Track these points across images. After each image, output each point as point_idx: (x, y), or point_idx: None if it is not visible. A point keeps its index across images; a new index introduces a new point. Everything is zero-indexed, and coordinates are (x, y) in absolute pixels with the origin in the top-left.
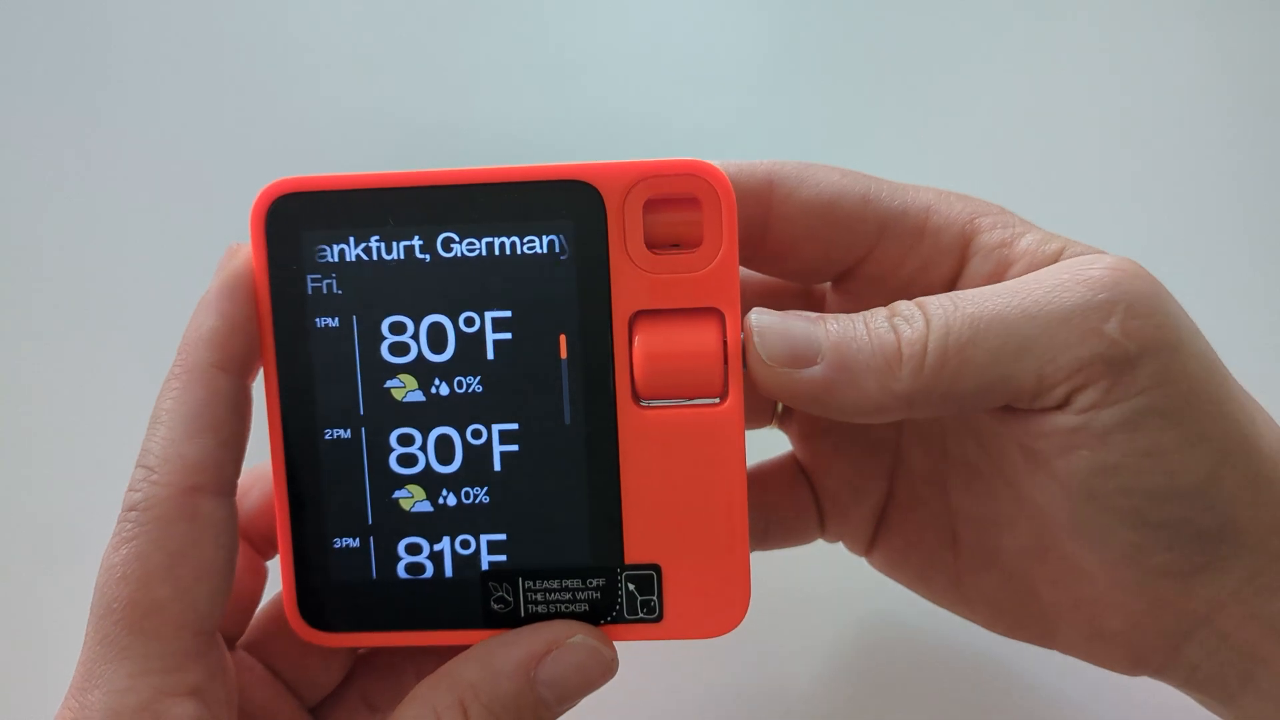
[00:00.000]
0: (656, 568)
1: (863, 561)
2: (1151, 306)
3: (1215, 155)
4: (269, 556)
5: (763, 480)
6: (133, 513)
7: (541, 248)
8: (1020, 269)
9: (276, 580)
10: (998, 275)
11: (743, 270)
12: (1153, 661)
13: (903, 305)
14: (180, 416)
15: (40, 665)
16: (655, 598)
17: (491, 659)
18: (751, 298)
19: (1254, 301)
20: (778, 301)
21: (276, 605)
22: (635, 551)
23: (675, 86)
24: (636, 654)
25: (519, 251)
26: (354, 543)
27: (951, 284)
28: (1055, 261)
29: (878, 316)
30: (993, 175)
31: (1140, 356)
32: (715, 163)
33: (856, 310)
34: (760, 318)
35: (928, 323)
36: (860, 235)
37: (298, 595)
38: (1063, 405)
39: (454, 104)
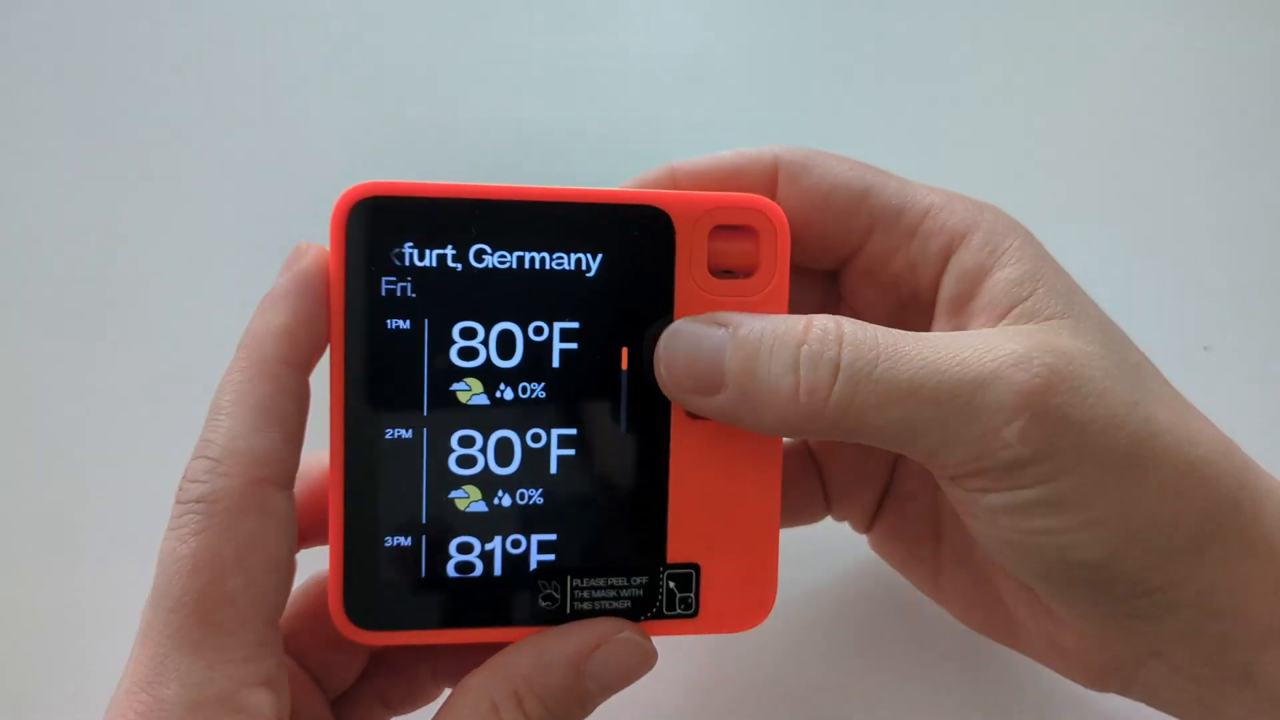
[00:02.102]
0: (695, 566)
1: (854, 560)
2: (1058, 417)
3: (1211, 158)
4: (297, 550)
5: None
6: (200, 504)
7: (614, 266)
8: (980, 305)
9: (300, 574)
10: (958, 303)
11: None
12: (1112, 681)
13: (821, 330)
14: (246, 410)
15: (40, 662)
16: (693, 594)
17: (545, 653)
18: None
19: (1253, 298)
20: (796, 283)
21: (302, 599)
22: (677, 551)
23: (675, 87)
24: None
25: (591, 268)
26: (405, 541)
27: (935, 290)
28: (1009, 312)
29: (786, 350)
30: (991, 173)
31: (1031, 461)
32: (725, 153)
33: (861, 301)
34: (667, 342)
35: (837, 371)
36: (852, 229)
37: (345, 593)
38: (954, 478)
39: (452, 104)
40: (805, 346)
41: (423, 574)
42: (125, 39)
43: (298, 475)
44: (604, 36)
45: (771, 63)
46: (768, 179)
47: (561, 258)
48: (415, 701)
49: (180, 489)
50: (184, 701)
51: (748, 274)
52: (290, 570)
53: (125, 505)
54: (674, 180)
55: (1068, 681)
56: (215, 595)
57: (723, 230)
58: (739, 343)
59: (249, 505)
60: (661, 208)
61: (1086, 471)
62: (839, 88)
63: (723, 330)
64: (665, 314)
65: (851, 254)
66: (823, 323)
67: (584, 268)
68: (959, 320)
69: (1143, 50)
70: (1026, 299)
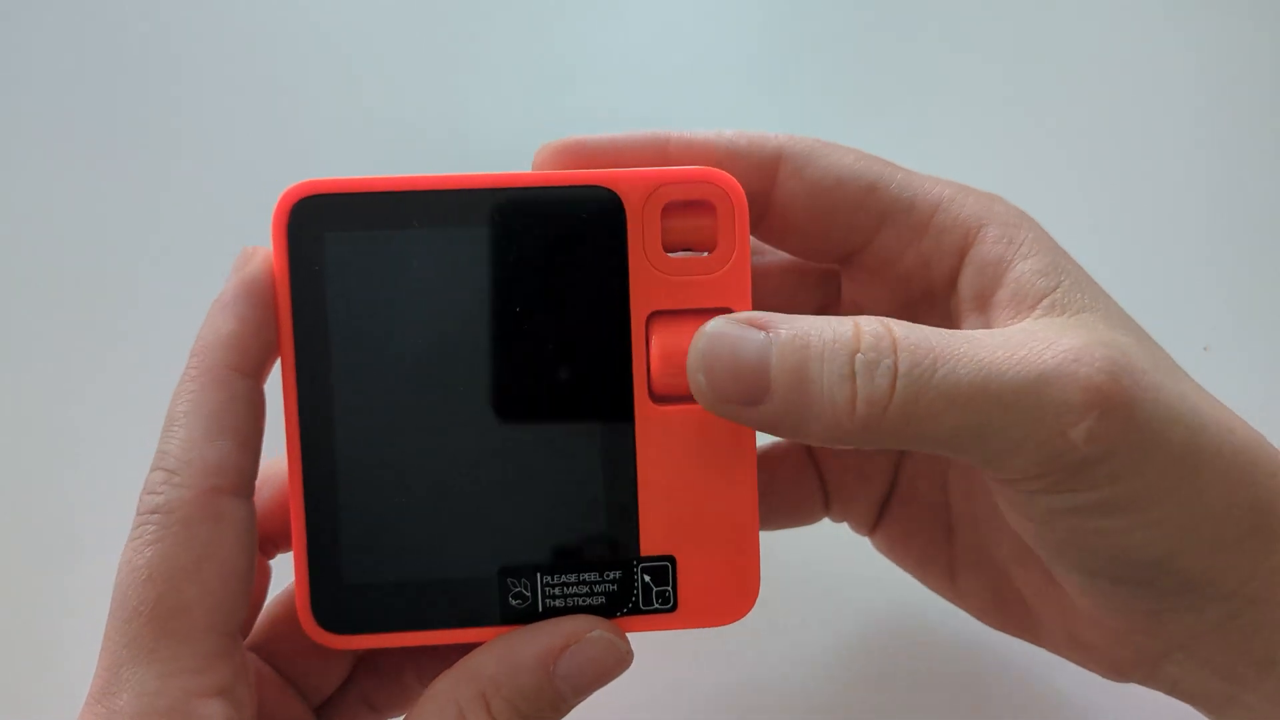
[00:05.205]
0: (671, 559)
1: (854, 561)
2: (1126, 414)
3: (1203, 150)
4: (272, 556)
5: (771, 463)
6: (155, 515)
7: (563, 251)
8: (1005, 297)
9: (278, 581)
10: (982, 297)
11: (767, 248)
12: (1133, 674)
13: (872, 335)
14: (199, 419)
15: (44, 667)
16: (670, 588)
17: (512, 654)
18: (773, 275)
19: (1253, 298)
20: (796, 280)
21: (280, 606)
22: (651, 544)
23: (674, 88)
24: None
25: (541, 254)
26: (369, 543)
27: (950, 285)
28: (1039, 304)
29: (839, 359)
30: (991, 174)
31: (1099, 461)
32: (728, 132)
33: (865, 297)
34: (703, 348)
35: (895, 378)
36: (859, 224)
37: (311, 598)
38: (1012, 480)
39: (452, 107)
40: (859, 355)
41: (390, 575)
42: (121, 34)
43: (268, 481)
44: (603, 37)
45: (772, 61)
46: (768, 167)
47: (510, 245)
48: (401, 705)
49: (139, 501)
50: (134, 711)
51: (707, 250)
52: (249, 580)
53: (122, 508)
54: (665, 149)
55: (1078, 693)
56: (170, 604)
57: (677, 206)
58: (783, 348)
59: (204, 514)
60: (609, 187)
61: (1149, 469)
62: (839, 86)
63: (762, 334)
64: (620, 296)
65: (857, 249)
66: (871, 326)
67: (534, 253)
68: (986, 315)
69: (1142, 49)
70: (1054, 290)
